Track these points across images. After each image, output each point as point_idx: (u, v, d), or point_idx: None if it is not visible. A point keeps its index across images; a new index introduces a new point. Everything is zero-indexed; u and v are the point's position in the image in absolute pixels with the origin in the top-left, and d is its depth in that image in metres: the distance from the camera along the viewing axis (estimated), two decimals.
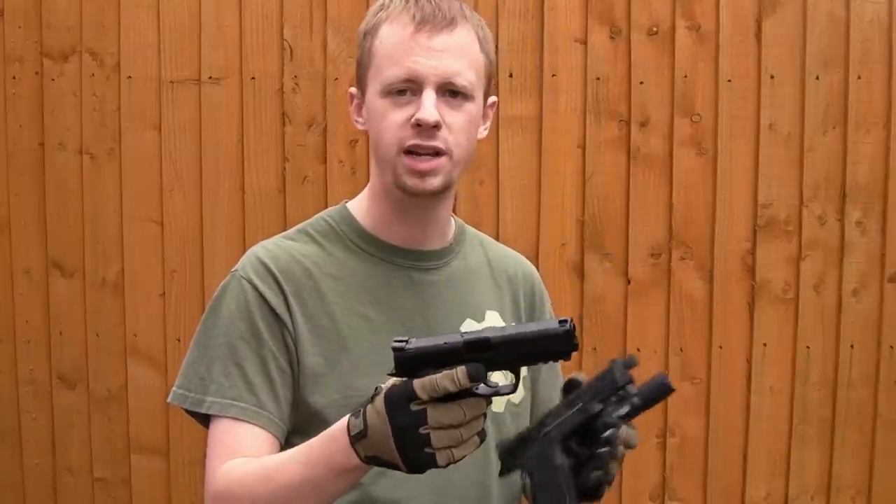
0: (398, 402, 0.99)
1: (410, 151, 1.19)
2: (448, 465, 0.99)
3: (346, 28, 2.45)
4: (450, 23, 1.20)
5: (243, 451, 1.17)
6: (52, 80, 2.58)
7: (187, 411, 1.23)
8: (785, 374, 2.41)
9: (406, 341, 1.02)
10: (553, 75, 2.42)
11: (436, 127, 1.18)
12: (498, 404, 1.31)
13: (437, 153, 1.20)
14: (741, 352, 2.41)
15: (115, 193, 2.58)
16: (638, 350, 2.43)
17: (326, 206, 1.37)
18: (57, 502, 2.67)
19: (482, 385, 1.00)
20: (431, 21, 1.19)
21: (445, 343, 1.01)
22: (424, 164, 1.19)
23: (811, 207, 2.38)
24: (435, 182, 1.20)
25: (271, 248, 1.27)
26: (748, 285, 2.40)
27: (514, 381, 1.04)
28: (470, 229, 1.40)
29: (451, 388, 0.97)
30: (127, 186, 2.57)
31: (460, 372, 0.98)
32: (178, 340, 2.55)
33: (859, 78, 2.35)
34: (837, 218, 2.38)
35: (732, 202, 2.39)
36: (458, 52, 1.20)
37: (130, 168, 2.56)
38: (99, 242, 2.60)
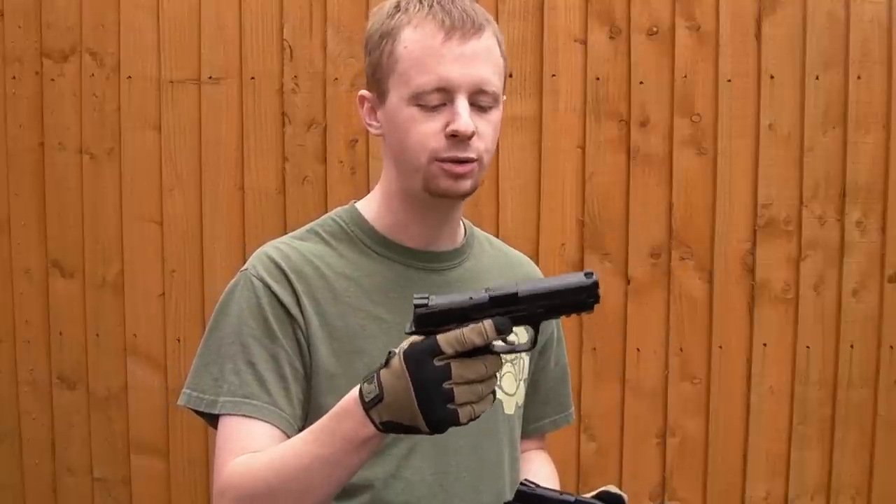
0: (421, 357, 0.98)
1: (445, 161, 1.18)
2: (469, 421, 0.98)
3: (346, 28, 2.45)
4: (478, 29, 1.18)
5: (255, 447, 1.14)
6: (52, 80, 2.58)
7: (198, 412, 1.21)
8: (785, 374, 2.40)
9: (427, 298, 1.00)
10: (553, 75, 2.41)
11: (470, 136, 1.17)
12: (509, 406, 1.31)
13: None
14: (741, 352, 2.41)
15: (114, 193, 2.58)
16: (638, 350, 2.43)
17: (326, 207, 1.36)
18: (57, 502, 2.67)
19: (499, 342, 1.00)
20: (461, 27, 1.17)
21: (471, 298, 0.99)
22: (460, 167, 1.18)
23: (811, 207, 2.38)
24: (467, 185, 1.20)
25: (282, 247, 1.25)
26: (748, 285, 2.40)
27: (532, 339, 1.04)
28: (478, 230, 1.41)
29: (479, 342, 0.97)
30: (127, 186, 2.57)
31: (487, 325, 0.97)
32: (178, 340, 2.55)
33: (859, 78, 2.35)
34: (837, 218, 2.38)
35: (732, 202, 2.39)
36: (486, 58, 1.19)
37: (130, 168, 2.56)
38: (99, 242, 2.60)
